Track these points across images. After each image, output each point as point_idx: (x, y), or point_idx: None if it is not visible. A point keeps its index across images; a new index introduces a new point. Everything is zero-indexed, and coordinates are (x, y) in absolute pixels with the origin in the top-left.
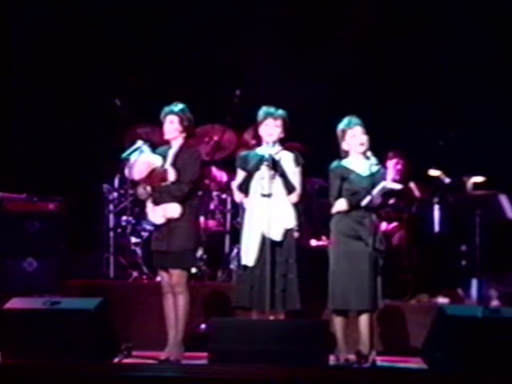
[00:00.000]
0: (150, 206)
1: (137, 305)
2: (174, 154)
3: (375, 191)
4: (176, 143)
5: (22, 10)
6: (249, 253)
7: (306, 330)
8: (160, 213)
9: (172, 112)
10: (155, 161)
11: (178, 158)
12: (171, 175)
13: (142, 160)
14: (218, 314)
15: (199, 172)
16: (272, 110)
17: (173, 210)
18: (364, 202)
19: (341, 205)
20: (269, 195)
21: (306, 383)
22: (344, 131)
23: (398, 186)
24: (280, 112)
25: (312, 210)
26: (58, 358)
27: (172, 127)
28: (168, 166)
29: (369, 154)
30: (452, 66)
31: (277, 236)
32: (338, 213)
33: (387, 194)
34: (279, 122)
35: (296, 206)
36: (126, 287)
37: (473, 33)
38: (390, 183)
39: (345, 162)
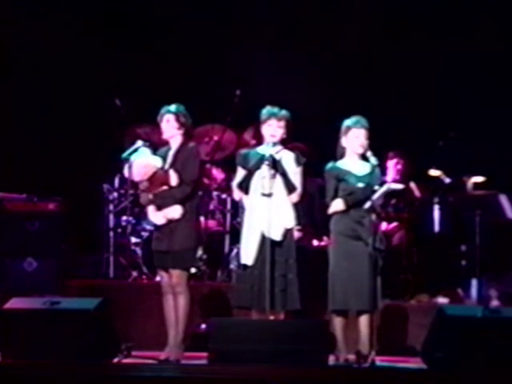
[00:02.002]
0: (151, 208)
1: (137, 305)
2: (174, 155)
3: (379, 192)
4: (175, 143)
5: (22, 9)
6: (248, 252)
7: (306, 330)
8: (161, 214)
9: (168, 111)
10: (156, 163)
11: (178, 158)
12: (173, 179)
13: (141, 162)
14: (218, 313)
15: (199, 170)
16: (276, 110)
17: (174, 211)
18: (367, 205)
19: (337, 205)
20: (269, 195)
21: (306, 383)
22: (349, 128)
23: (401, 186)
24: (284, 113)
25: (314, 210)
26: (58, 358)
27: (169, 125)
28: (168, 167)
29: (369, 154)
30: (452, 66)
31: (277, 236)
32: (337, 213)
33: (389, 194)
34: (282, 123)
35: (296, 205)
36: (126, 287)
37: (473, 32)
38: (393, 184)
39: (340, 163)
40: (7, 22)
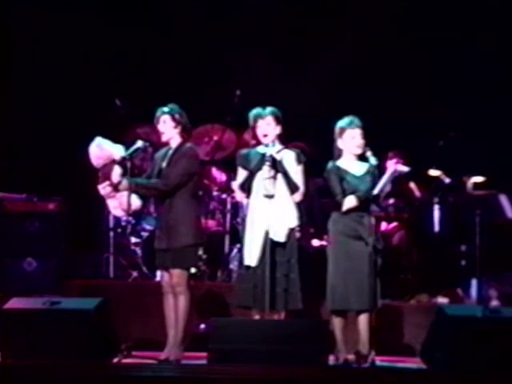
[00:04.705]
0: (111, 202)
1: (137, 305)
2: (172, 154)
3: (386, 176)
4: (174, 142)
5: (23, 9)
6: (252, 253)
7: (306, 330)
8: (120, 209)
9: (162, 113)
10: (113, 155)
11: (174, 157)
12: (115, 175)
13: (101, 149)
14: (218, 313)
15: (194, 167)
16: (259, 110)
17: (133, 202)
18: (377, 189)
19: (350, 202)
20: (271, 196)
21: (306, 383)
22: (343, 129)
23: (407, 169)
24: (267, 110)
25: (313, 209)
26: (58, 358)
27: (166, 126)
28: (165, 165)
29: (369, 153)
30: (452, 66)
31: (280, 237)
32: (337, 212)
33: (396, 179)
34: (269, 119)
35: (298, 205)
36: (126, 287)
37: (472, 32)
38: (400, 166)
39: (339, 163)
40: (8, 20)
